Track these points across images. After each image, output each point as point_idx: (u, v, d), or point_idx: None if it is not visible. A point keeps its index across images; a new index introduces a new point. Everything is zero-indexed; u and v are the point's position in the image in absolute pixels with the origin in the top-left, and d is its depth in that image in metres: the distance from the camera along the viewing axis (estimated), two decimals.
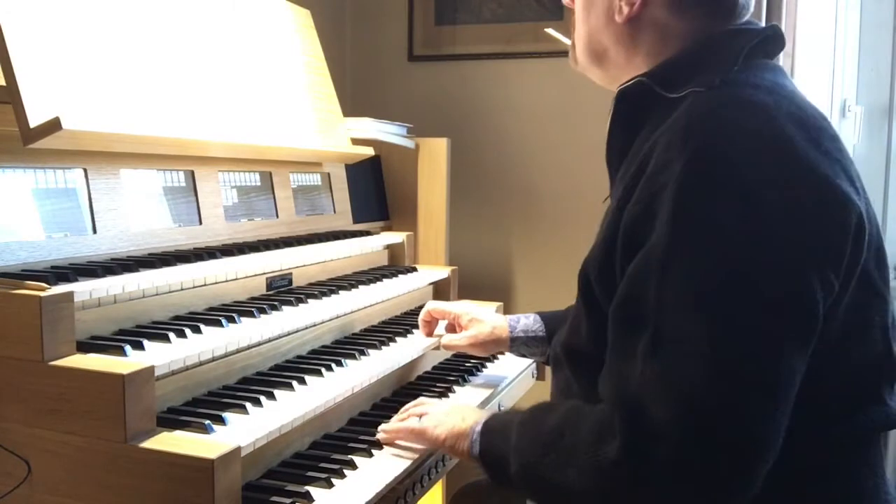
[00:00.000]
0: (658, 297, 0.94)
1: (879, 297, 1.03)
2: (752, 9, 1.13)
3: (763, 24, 1.20)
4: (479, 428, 1.19)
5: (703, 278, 0.93)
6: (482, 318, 1.61)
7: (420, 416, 1.31)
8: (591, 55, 1.21)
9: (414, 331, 1.70)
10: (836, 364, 0.99)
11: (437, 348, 1.67)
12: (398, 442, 1.31)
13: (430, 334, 1.67)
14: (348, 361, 1.43)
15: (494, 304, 2.08)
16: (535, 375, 1.94)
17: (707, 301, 0.92)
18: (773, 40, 1.11)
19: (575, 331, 1.16)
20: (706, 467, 0.91)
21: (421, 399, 1.42)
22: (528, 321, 1.59)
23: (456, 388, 1.63)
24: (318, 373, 1.34)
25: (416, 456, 1.28)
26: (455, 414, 1.27)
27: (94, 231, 1.32)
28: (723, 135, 0.95)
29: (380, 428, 1.32)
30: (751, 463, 0.92)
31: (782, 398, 0.92)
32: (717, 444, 0.91)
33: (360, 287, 1.71)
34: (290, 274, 1.66)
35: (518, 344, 1.58)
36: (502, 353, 1.82)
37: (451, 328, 1.67)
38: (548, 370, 1.97)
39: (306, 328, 1.48)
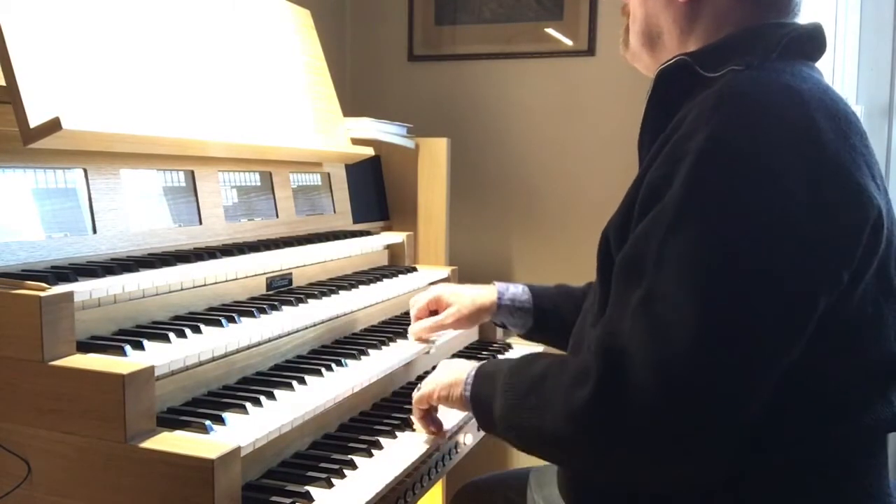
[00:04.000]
0: (659, 256, 0.95)
1: (895, 298, 1.02)
2: (801, 10, 1.14)
3: None
4: (473, 372, 1.22)
5: (706, 247, 0.93)
6: (461, 292, 1.60)
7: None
8: (645, 39, 1.21)
9: None
10: (845, 360, 0.99)
11: (428, 353, 1.64)
12: (399, 441, 1.32)
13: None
14: (348, 361, 1.43)
15: None
16: None
17: (706, 269, 0.92)
18: (813, 37, 1.11)
19: (590, 306, 1.16)
20: (671, 429, 0.92)
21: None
22: (516, 290, 1.59)
23: None
24: (318, 373, 1.34)
25: (416, 456, 1.29)
26: (446, 369, 1.30)
27: (94, 231, 1.32)
28: (752, 112, 0.96)
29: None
30: (714, 434, 0.93)
31: (758, 379, 0.93)
32: (686, 410, 0.91)
33: (360, 287, 1.71)
34: (290, 274, 1.66)
35: (503, 312, 1.58)
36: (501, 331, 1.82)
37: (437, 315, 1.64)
38: None
39: (306, 328, 1.48)
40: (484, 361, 1.25)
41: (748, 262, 0.92)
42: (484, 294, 1.59)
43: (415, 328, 1.60)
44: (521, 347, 1.97)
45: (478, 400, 1.18)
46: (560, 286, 1.61)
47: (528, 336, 1.63)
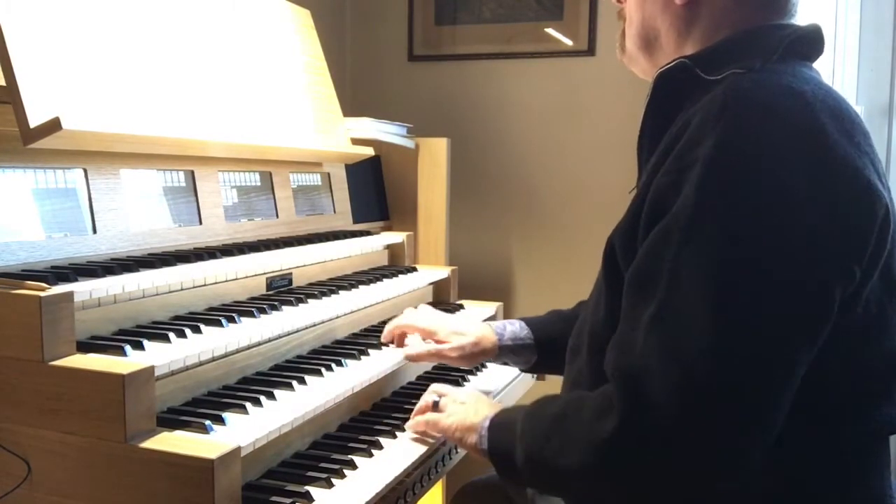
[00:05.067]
0: (672, 268, 0.94)
1: None
2: (798, 11, 1.14)
3: None
4: (486, 423, 1.20)
5: (719, 256, 0.92)
6: (464, 331, 1.52)
7: (437, 400, 1.33)
8: (641, 42, 1.20)
9: None
10: (850, 360, 0.99)
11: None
12: (399, 441, 1.32)
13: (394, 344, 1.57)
14: (348, 361, 1.43)
15: (494, 305, 2.08)
16: (535, 376, 1.94)
17: (720, 278, 0.92)
18: (812, 39, 1.10)
19: (594, 312, 1.15)
20: (698, 446, 0.92)
21: (437, 386, 1.40)
22: (514, 328, 1.54)
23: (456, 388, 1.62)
24: (318, 373, 1.34)
25: (416, 456, 1.29)
26: (469, 405, 1.28)
27: (94, 231, 1.32)
28: (758, 116, 0.95)
29: (406, 424, 1.37)
30: (743, 445, 0.93)
31: (780, 386, 0.93)
32: (712, 423, 0.91)
33: (360, 287, 1.71)
34: (290, 274, 1.66)
35: (506, 352, 1.53)
36: (484, 365, 1.79)
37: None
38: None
39: (306, 328, 1.48)
40: (496, 412, 1.22)
41: (763, 269, 0.92)
42: (487, 337, 1.52)
43: (413, 350, 1.51)
44: None
45: (497, 452, 1.16)
46: (553, 313, 1.58)
47: (533, 370, 1.59)
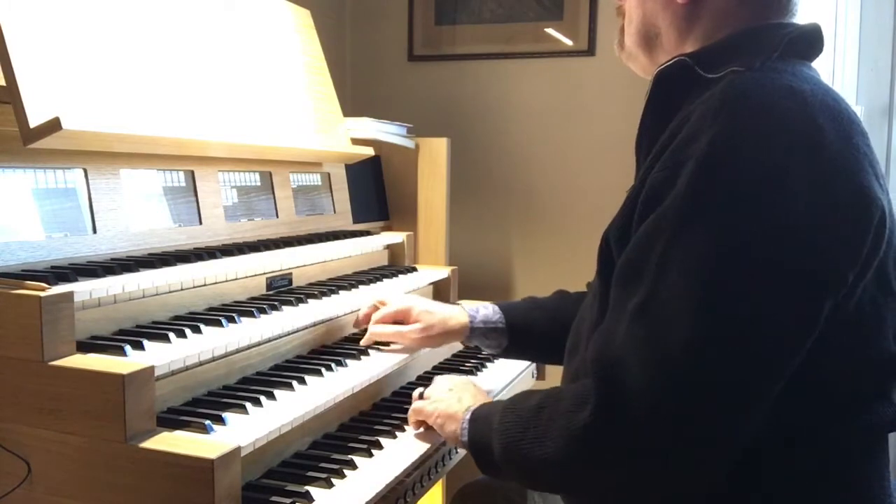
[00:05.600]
0: (660, 261, 0.94)
1: (894, 297, 1.02)
2: (799, 9, 1.13)
3: None
4: (468, 416, 1.20)
5: (708, 251, 0.92)
6: (432, 310, 1.53)
7: (422, 391, 1.34)
8: (641, 40, 1.19)
9: None
10: (844, 359, 0.99)
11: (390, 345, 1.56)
12: (399, 441, 1.32)
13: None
14: (349, 361, 1.43)
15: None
16: (535, 376, 1.94)
17: (708, 274, 0.92)
18: (812, 38, 1.10)
19: (590, 311, 1.15)
20: (672, 440, 0.92)
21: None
22: (487, 311, 1.55)
23: None
24: (318, 373, 1.34)
25: (416, 456, 1.29)
26: (454, 393, 1.28)
27: (94, 231, 1.32)
28: (756, 114, 0.95)
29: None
30: (717, 444, 0.93)
31: (759, 385, 0.93)
32: (685, 418, 0.91)
33: (360, 287, 1.71)
34: (290, 274, 1.66)
35: (477, 335, 1.54)
36: (485, 365, 1.80)
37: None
38: (547, 370, 1.98)
39: (306, 328, 1.48)
40: (479, 404, 1.22)
41: (752, 267, 0.91)
42: (455, 317, 1.53)
43: (374, 330, 1.52)
44: None
45: (475, 445, 1.17)
46: (528, 300, 1.59)
47: (504, 354, 1.60)
